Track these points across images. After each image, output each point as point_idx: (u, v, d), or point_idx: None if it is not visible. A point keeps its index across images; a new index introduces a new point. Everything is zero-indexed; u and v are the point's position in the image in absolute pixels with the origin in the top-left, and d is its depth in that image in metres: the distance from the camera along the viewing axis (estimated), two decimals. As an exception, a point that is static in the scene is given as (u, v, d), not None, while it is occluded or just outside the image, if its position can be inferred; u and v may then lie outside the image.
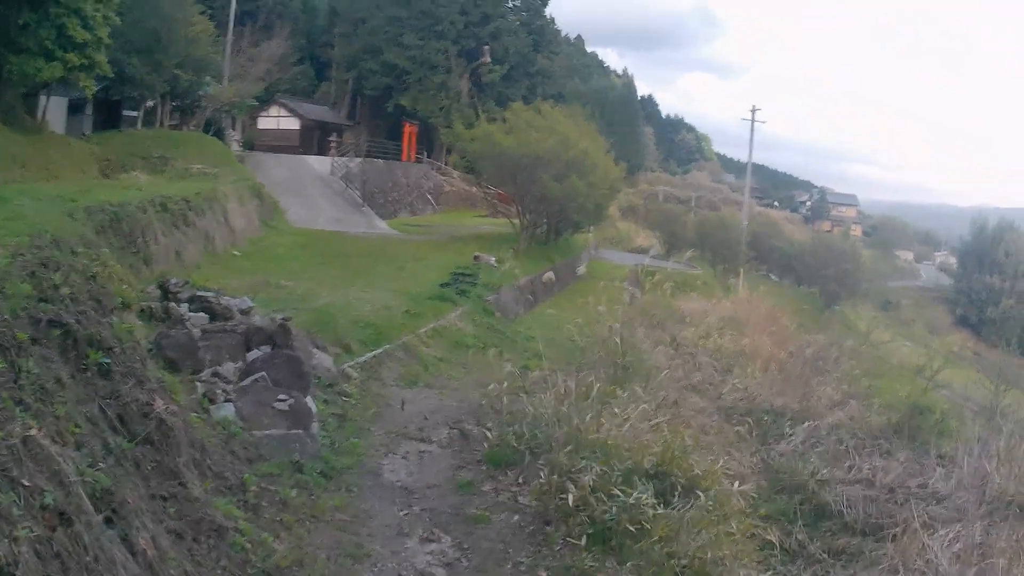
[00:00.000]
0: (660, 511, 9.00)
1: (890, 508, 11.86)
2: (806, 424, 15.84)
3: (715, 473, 10.01)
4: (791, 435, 15.09)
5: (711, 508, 9.22)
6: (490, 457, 11.11)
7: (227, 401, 10.56)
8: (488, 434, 11.64)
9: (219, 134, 44.10)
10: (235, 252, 25.09)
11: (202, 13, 40.44)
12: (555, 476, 9.60)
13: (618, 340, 14.08)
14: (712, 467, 10.11)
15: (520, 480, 10.37)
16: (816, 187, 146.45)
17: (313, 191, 43.35)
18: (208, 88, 42.28)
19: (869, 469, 13.17)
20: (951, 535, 10.63)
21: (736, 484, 9.97)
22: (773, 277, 68.49)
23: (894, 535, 11.25)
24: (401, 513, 9.41)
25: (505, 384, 12.84)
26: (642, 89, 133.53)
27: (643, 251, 45.55)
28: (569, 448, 9.99)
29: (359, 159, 49.21)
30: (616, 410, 11.30)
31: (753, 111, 64.20)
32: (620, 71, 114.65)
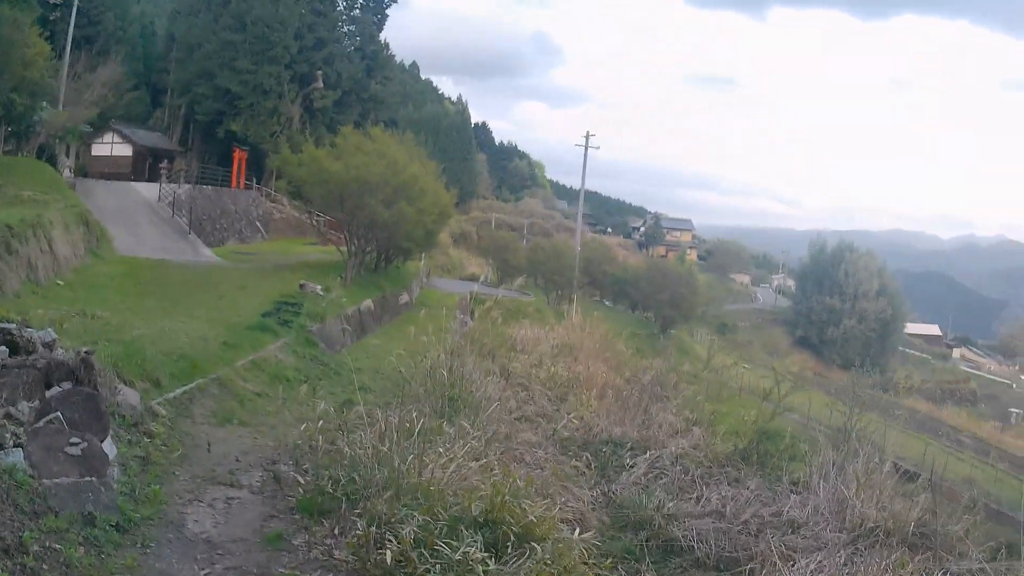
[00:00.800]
0: (491, 567, 7.87)
1: (744, 540, 10.92)
2: (648, 454, 14.83)
3: (552, 520, 8.71)
4: (632, 466, 14.04)
5: (549, 561, 7.93)
6: (303, 505, 9.97)
7: (16, 446, 9.18)
8: (300, 479, 10.56)
9: (52, 160, 42.12)
10: (59, 281, 23.99)
11: (40, 35, 37.92)
12: (373, 527, 8.51)
13: (445, 371, 12.71)
14: (549, 512, 8.83)
15: (336, 531, 9.26)
16: (650, 213, 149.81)
17: (141, 218, 41.58)
18: (43, 113, 40.06)
19: (718, 499, 12.21)
20: (812, 566, 9.85)
21: (576, 532, 8.68)
22: (607, 303, 68.97)
23: (751, 569, 10.38)
24: (202, 573, 8.35)
25: (320, 422, 11.61)
26: (477, 116, 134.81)
27: (475, 279, 45.39)
28: (389, 494, 8.99)
29: (188, 186, 47.75)
30: (441, 448, 10.00)
31: (587, 137, 64.56)
32: (455, 98, 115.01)
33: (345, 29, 64.75)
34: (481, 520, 8.54)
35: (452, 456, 9.73)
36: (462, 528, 8.20)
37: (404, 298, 38.28)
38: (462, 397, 12.66)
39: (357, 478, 9.68)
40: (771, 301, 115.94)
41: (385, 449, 9.83)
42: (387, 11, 67.35)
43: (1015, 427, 69.04)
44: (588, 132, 64.74)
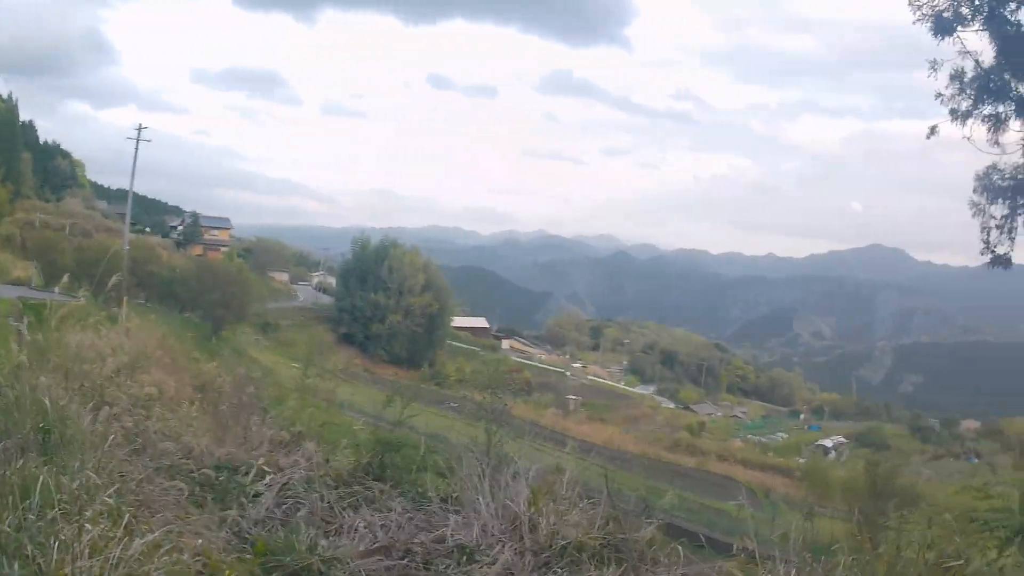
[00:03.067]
0: None
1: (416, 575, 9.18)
2: (268, 479, 12.49)
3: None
4: (258, 495, 11.66)
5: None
6: None
7: None
8: None
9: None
10: None
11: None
12: None
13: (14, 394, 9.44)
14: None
15: None
16: (187, 212, 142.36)
17: None
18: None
19: (365, 527, 10.31)
20: (508, 597, 8.32)
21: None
22: (154, 304, 64.07)
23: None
24: None
25: None
26: (27, 115, 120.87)
27: (22, 283, 39.11)
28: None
29: None
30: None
31: (139, 130, 59.68)
32: (5, 95, 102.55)
33: None
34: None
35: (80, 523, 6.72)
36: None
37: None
38: (56, 428, 9.48)
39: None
40: (312, 298, 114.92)
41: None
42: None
43: (574, 414, 74.33)
44: (141, 125, 60.31)
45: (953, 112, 13.37)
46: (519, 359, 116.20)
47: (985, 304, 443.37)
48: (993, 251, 13.25)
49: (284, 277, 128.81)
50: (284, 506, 11.69)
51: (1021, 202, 12.95)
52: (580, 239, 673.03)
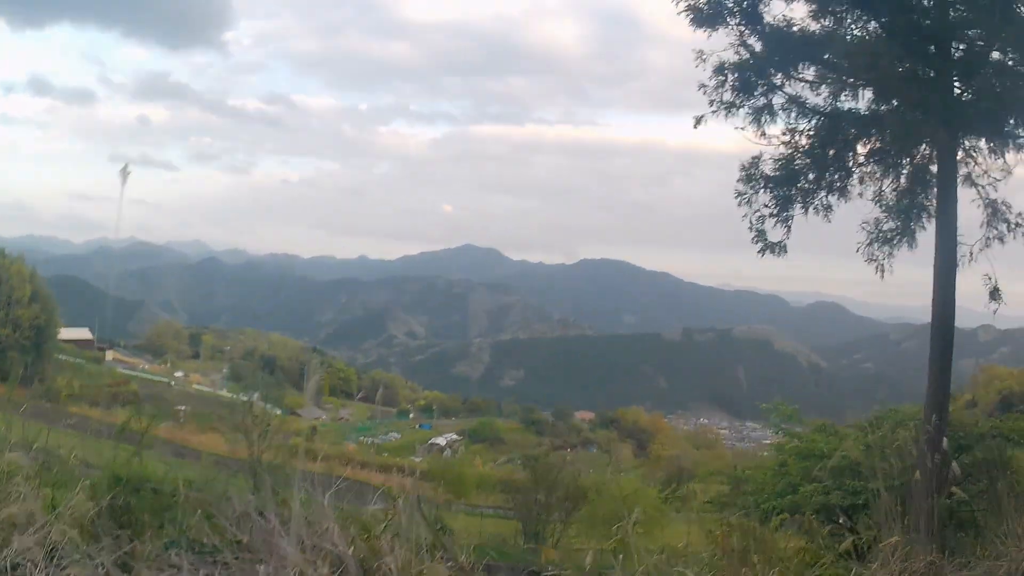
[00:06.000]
0: None
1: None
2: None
3: None
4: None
5: None
6: None
7: None
8: None
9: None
10: None
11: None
12: None
13: None
14: None
15: None
16: None
17: None
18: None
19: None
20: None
21: None
22: None
23: None
24: None
25: None
26: None
27: None
28: None
29: None
30: None
31: None
32: None
33: None
34: None
35: None
36: None
37: None
38: None
39: None
40: None
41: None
42: None
43: (185, 425, 69.73)
44: None
45: (715, 103, 13.62)
46: (125, 371, 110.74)
47: (580, 299, 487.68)
48: (765, 239, 13.69)
49: None
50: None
51: (788, 191, 13.49)
52: (171, 246, 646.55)
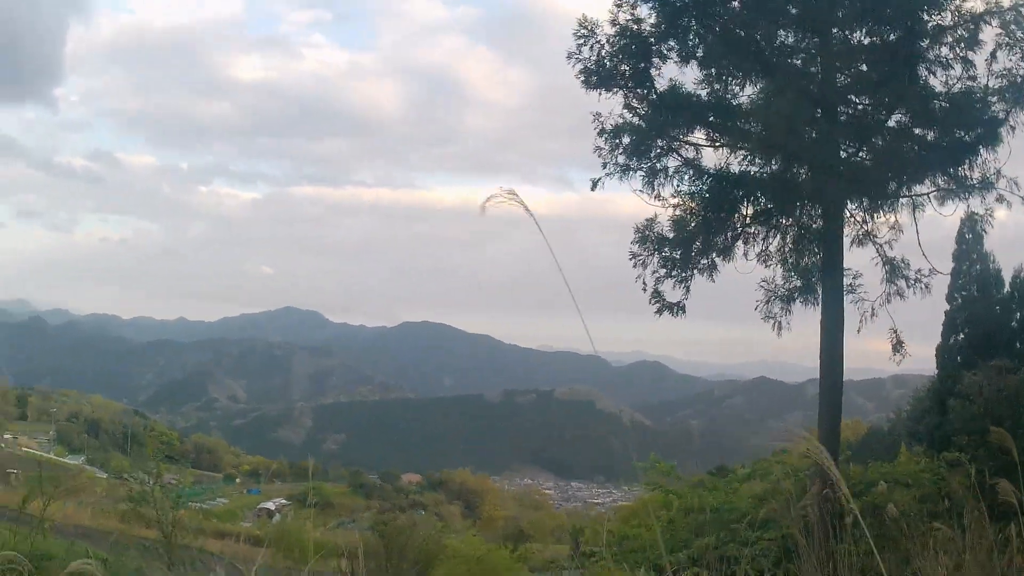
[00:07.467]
0: None
1: None
2: None
3: None
4: None
5: None
6: None
7: None
8: None
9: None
10: None
11: None
12: None
13: None
14: None
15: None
16: None
17: None
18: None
19: None
20: None
21: None
22: None
23: None
24: None
25: None
26: None
27: None
28: None
29: None
30: None
31: None
32: None
33: None
34: None
35: None
36: None
37: None
38: None
39: None
40: None
41: None
42: None
43: (17, 488, 63.91)
44: None
45: (608, 166, 13.66)
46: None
47: (402, 362, 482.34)
48: (662, 299, 13.67)
49: None
50: None
51: (682, 253, 13.56)
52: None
